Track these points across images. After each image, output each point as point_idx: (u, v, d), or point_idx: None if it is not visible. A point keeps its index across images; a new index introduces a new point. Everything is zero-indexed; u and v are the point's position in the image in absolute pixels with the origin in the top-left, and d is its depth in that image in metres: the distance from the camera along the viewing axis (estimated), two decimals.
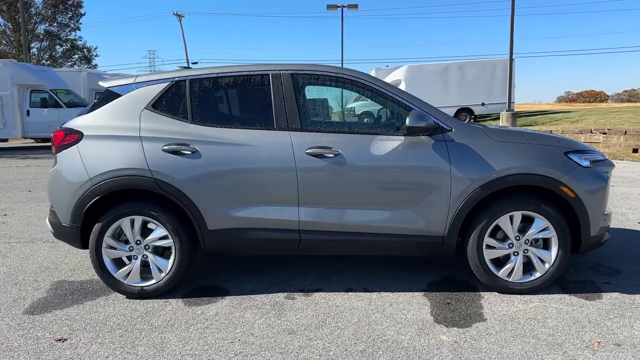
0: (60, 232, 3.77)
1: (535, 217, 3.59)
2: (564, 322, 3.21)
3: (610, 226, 4.26)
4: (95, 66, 45.30)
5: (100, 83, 3.95)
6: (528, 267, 3.68)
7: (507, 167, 3.51)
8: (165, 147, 3.57)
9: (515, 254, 3.64)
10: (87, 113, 3.84)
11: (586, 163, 3.63)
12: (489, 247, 3.63)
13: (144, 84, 3.78)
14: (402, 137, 3.59)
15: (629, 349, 2.85)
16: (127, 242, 3.70)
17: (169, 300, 3.66)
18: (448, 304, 3.53)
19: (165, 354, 2.89)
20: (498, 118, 21.87)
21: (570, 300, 3.55)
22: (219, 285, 3.95)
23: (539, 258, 3.64)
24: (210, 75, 3.78)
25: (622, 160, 12.17)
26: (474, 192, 3.51)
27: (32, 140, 20.72)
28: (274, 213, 3.62)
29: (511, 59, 20.58)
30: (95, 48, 46.91)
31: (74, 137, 3.69)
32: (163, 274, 3.67)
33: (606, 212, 3.78)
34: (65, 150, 3.69)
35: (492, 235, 3.64)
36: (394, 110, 3.82)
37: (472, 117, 24.31)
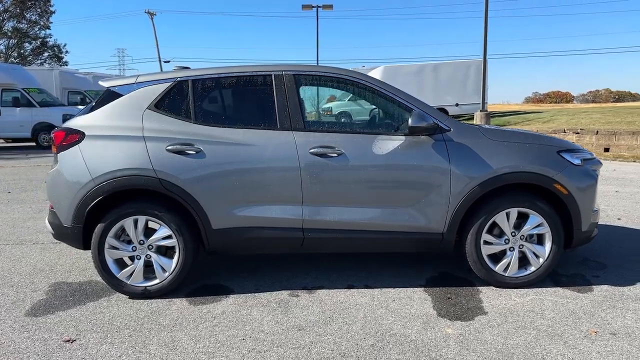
0: (61, 233, 3.74)
1: (530, 214, 3.73)
2: (560, 313, 3.35)
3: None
4: (66, 64, 44.30)
5: (101, 83, 3.92)
6: (523, 261, 3.82)
7: (504, 166, 3.64)
8: (170, 147, 3.58)
9: (511, 249, 3.78)
10: (86, 113, 3.81)
11: (577, 161, 3.80)
12: (486, 243, 3.76)
13: (145, 84, 3.77)
14: (403, 137, 3.68)
15: (624, 337, 3.01)
16: (129, 242, 3.70)
17: (173, 299, 3.67)
18: (449, 298, 3.64)
19: (178, 352, 2.91)
20: (472, 118, 22.27)
21: (564, 293, 3.71)
22: (222, 284, 3.98)
23: (534, 253, 3.79)
24: (212, 76, 3.80)
25: None
26: (472, 190, 3.63)
27: (2, 140, 20.15)
28: (278, 212, 3.67)
29: (485, 60, 20.99)
30: (65, 45, 45.81)
31: (75, 137, 3.66)
32: (167, 274, 3.68)
33: (595, 209, 3.95)
34: (66, 151, 3.65)
35: (489, 231, 3.77)
36: (394, 110, 3.90)
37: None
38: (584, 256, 4.53)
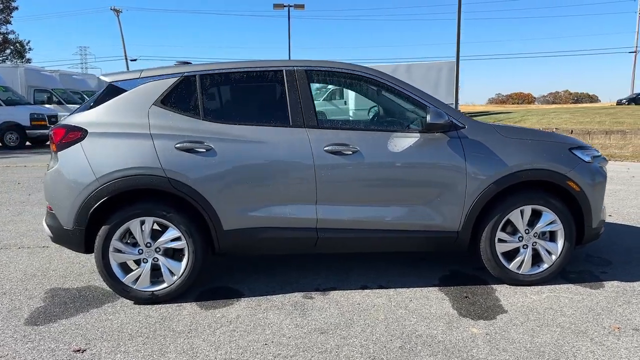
0: (60, 236, 3.52)
1: (543, 211, 3.72)
2: (579, 310, 3.35)
3: None
4: (29, 61, 42.78)
5: (102, 77, 3.72)
6: (536, 259, 3.82)
7: (518, 163, 3.62)
8: (179, 145, 3.42)
9: (525, 246, 3.77)
10: (87, 109, 3.60)
11: (588, 158, 3.81)
12: (500, 240, 3.74)
13: (150, 78, 3.59)
14: (418, 134, 3.62)
15: None
16: (135, 245, 3.52)
17: (182, 304, 3.51)
18: (466, 297, 3.60)
19: (199, 359, 2.77)
20: None
21: (577, 289, 3.72)
22: (231, 286, 3.83)
23: (547, 250, 3.79)
24: (220, 71, 3.66)
25: None
26: (488, 187, 3.60)
27: None
28: (291, 211, 3.55)
29: (458, 62, 21.31)
30: (28, 42, 44.27)
31: (77, 134, 3.45)
32: (175, 277, 3.52)
33: (603, 205, 3.98)
34: (67, 149, 3.44)
35: (503, 229, 3.75)
36: (409, 107, 3.84)
37: None
38: (587, 253, 4.57)
